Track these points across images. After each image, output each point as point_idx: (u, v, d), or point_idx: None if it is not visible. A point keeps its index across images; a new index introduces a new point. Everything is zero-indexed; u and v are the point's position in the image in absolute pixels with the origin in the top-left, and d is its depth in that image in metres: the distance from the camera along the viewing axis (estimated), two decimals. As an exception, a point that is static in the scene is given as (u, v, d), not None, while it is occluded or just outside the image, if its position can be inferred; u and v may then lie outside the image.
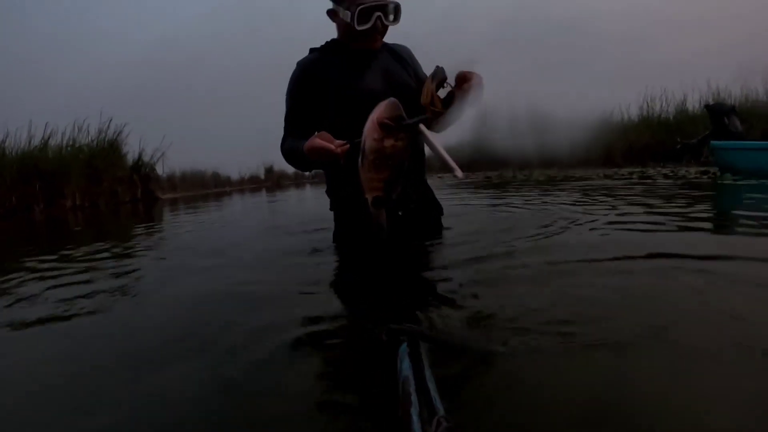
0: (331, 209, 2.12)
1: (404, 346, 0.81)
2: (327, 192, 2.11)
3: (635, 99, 16.29)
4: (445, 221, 2.24)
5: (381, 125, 1.46)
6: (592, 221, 2.39)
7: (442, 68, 1.82)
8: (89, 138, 14.29)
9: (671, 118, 14.70)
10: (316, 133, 1.69)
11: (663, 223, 2.27)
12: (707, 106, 8.63)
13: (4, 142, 13.25)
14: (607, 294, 1.24)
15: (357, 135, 1.55)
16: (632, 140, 14.59)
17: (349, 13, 1.86)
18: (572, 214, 2.70)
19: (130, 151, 14.76)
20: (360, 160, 1.50)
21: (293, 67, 2.02)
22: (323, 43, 2.05)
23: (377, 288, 1.51)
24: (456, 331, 1.03)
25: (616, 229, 2.13)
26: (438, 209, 2.21)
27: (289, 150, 1.91)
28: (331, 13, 1.96)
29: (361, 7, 1.83)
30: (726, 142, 7.37)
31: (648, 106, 15.42)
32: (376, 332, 0.89)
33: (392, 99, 1.50)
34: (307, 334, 1.11)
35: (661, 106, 15.18)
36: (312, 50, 2.04)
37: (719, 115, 7.89)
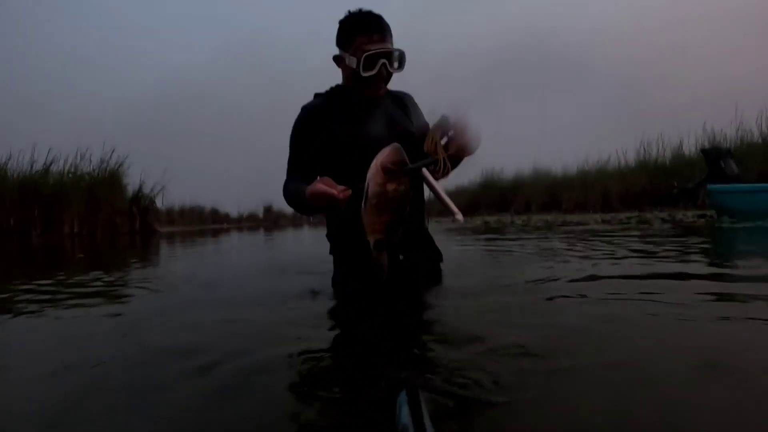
0: (330, 253, 2.12)
1: (403, 393, 0.79)
2: (327, 236, 2.12)
3: (632, 143, 16.57)
4: (444, 266, 2.23)
5: (384, 170, 1.48)
6: (591, 266, 2.40)
7: (446, 117, 1.84)
8: (91, 167, 14.44)
9: (668, 162, 14.88)
10: (318, 177, 1.70)
11: (658, 268, 2.28)
12: (703, 150, 8.73)
13: (6, 163, 13.42)
14: (609, 342, 1.23)
15: (359, 180, 1.57)
16: (629, 184, 14.74)
17: (355, 60, 1.89)
18: (569, 260, 2.71)
19: (131, 182, 14.88)
20: (363, 203, 1.52)
21: (295, 110, 2.05)
22: (328, 88, 2.08)
23: (377, 332, 1.49)
24: (455, 378, 1.02)
25: (612, 275, 2.12)
26: (437, 255, 2.20)
27: (291, 194, 1.92)
28: (337, 59, 1.99)
29: (367, 54, 1.87)
30: (722, 186, 7.44)
31: (645, 150, 15.64)
32: (375, 378, 0.88)
33: (395, 144, 1.52)
34: (302, 378, 1.09)
35: (658, 150, 15.40)
36: (317, 95, 2.08)
37: (715, 159, 7.98)
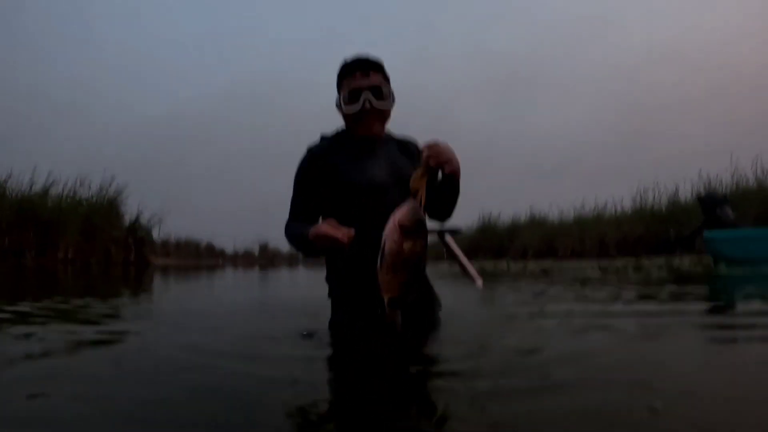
0: (329, 296, 2.08)
1: None
2: (327, 279, 2.09)
3: (628, 191, 16.72)
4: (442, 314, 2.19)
5: (402, 229, 1.50)
6: (588, 317, 2.38)
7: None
8: (90, 193, 14.50)
9: (664, 209, 14.99)
10: (320, 219, 1.71)
11: (656, 316, 2.26)
12: (699, 198, 8.74)
13: (6, 182, 13.42)
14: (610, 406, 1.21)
15: (359, 222, 1.59)
16: (626, 231, 14.80)
17: (341, 97, 1.98)
18: (564, 308, 2.68)
19: (128, 212, 14.90)
20: (379, 261, 1.52)
21: (297, 151, 2.07)
22: (334, 131, 2.11)
23: (373, 378, 1.46)
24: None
25: (611, 332, 2.10)
26: (436, 303, 2.18)
27: (294, 234, 1.93)
28: (336, 103, 2.03)
29: (349, 89, 1.93)
30: (719, 232, 7.43)
31: (641, 197, 15.77)
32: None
33: (413, 203, 1.55)
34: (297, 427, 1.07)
35: (654, 197, 15.54)
36: (322, 137, 2.10)
37: (711, 206, 7.98)
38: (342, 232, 1.63)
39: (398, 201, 1.83)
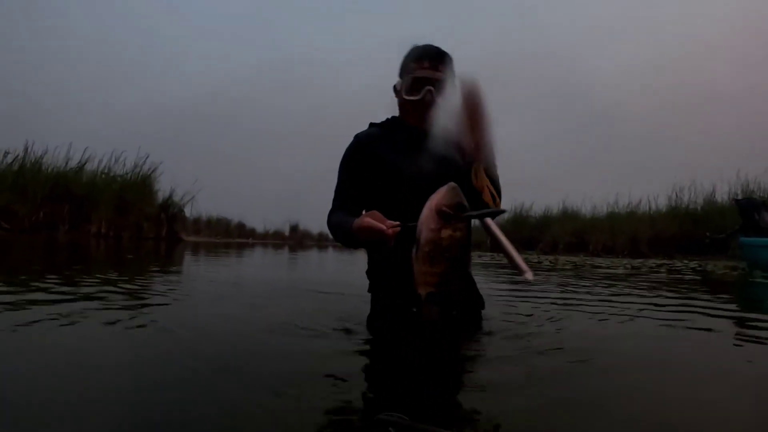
0: (369, 291, 2.02)
1: None
2: (368, 273, 2.02)
3: (664, 189, 16.34)
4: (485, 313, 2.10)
5: (440, 214, 1.35)
6: (624, 320, 2.32)
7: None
8: (124, 170, 14.79)
9: (699, 209, 14.60)
10: (363, 212, 1.64)
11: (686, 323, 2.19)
12: (736, 201, 8.52)
13: (41, 157, 13.87)
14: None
15: (404, 215, 1.49)
16: (659, 230, 14.46)
17: (402, 82, 1.90)
18: (597, 308, 2.64)
19: (161, 189, 15.14)
20: (414, 251, 1.38)
21: (329, 133, 2.03)
22: (384, 119, 2.03)
23: (407, 378, 1.40)
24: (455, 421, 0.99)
25: (645, 336, 2.04)
26: (480, 303, 2.07)
27: (337, 225, 1.84)
28: (394, 87, 1.96)
29: (414, 76, 1.85)
30: (756, 239, 7.23)
31: (677, 196, 15.38)
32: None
33: (452, 184, 1.41)
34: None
35: (690, 196, 15.14)
36: (372, 125, 2.04)
37: (749, 211, 7.79)
38: (387, 225, 1.51)
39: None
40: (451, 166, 1.84)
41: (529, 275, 1.42)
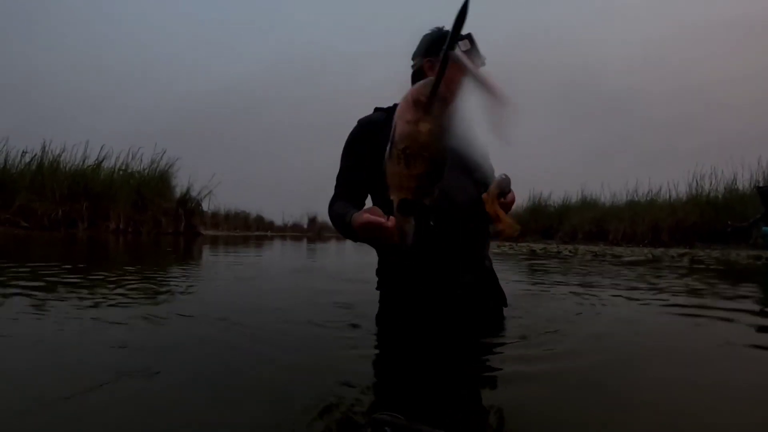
0: (377, 288, 1.93)
1: None
2: (377, 272, 1.92)
3: (684, 176, 16.07)
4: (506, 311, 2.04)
5: (417, 104, 1.16)
6: (647, 316, 2.27)
7: (507, 178, 1.73)
8: (141, 166, 14.94)
9: (720, 196, 14.32)
10: (368, 199, 1.57)
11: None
12: (758, 188, 8.37)
13: (60, 156, 14.09)
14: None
15: None
16: (680, 218, 14.22)
17: (422, 65, 1.80)
18: (620, 308, 2.56)
19: (179, 184, 15.26)
20: (388, 150, 1.20)
21: (346, 124, 1.90)
22: (391, 104, 1.91)
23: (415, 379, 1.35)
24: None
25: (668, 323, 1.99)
26: (500, 298, 1.99)
27: (337, 216, 1.71)
28: (427, 65, 1.81)
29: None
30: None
31: (697, 183, 15.10)
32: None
33: (431, 78, 1.18)
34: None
35: (711, 184, 14.85)
36: (377, 109, 1.92)
37: (771, 198, 7.68)
38: (389, 220, 1.37)
39: (454, 184, 1.73)
40: (460, 155, 1.77)
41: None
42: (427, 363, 1.49)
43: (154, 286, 2.88)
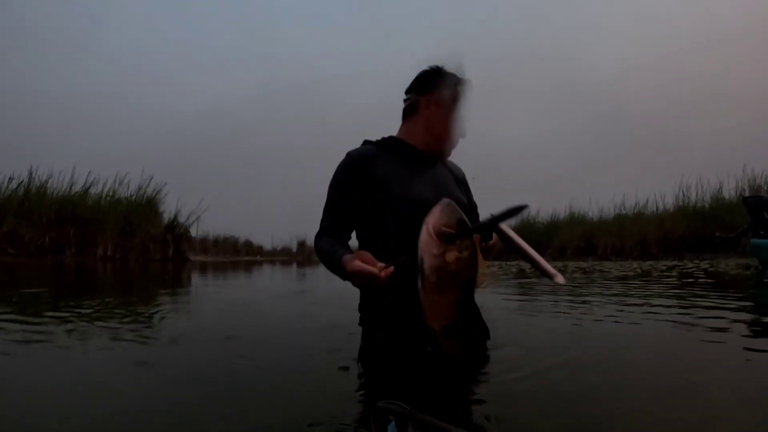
0: (360, 324, 1.84)
1: (392, 425, 0.82)
2: (360, 308, 1.84)
3: (671, 188, 16.20)
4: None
5: (440, 236, 1.20)
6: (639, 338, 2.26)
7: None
8: (129, 192, 14.91)
9: (707, 206, 14.48)
10: (350, 254, 1.53)
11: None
12: (744, 199, 8.44)
13: (47, 182, 14.04)
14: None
15: (398, 242, 1.40)
16: (668, 230, 14.33)
17: (429, 104, 1.82)
18: (610, 328, 2.53)
19: (167, 210, 15.21)
20: (419, 282, 1.22)
21: (334, 148, 1.90)
22: (380, 138, 1.90)
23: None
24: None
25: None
26: (485, 332, 1.96)
27: (326, 254, 1.67)
28: (418, 102, 1.85)
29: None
30: (766, 241, 7.24)
31: (684, 195, 15.25)
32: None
33: (446, 200, 1.27)
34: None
35: (697, 194, 15.01)
36: (366, 142, 1.91)
37: (758, 209, 7.76)
38: (379, 268, 1.37)
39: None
40: (455, 197, 1.69)
41: (559, 279, 1.35)
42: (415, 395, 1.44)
43: (142, 325, 2.83)
